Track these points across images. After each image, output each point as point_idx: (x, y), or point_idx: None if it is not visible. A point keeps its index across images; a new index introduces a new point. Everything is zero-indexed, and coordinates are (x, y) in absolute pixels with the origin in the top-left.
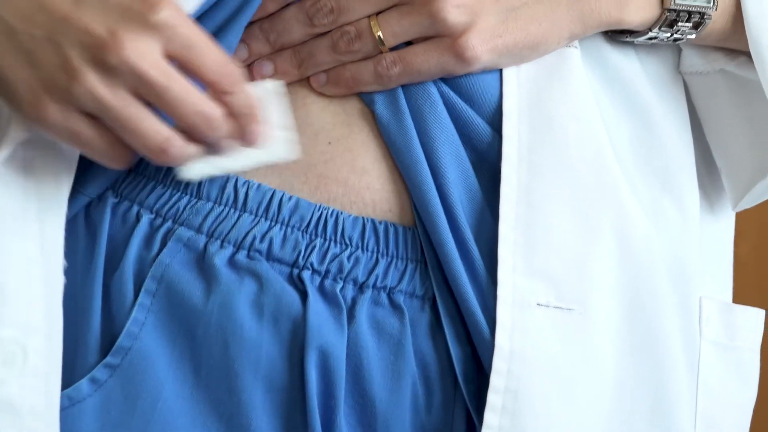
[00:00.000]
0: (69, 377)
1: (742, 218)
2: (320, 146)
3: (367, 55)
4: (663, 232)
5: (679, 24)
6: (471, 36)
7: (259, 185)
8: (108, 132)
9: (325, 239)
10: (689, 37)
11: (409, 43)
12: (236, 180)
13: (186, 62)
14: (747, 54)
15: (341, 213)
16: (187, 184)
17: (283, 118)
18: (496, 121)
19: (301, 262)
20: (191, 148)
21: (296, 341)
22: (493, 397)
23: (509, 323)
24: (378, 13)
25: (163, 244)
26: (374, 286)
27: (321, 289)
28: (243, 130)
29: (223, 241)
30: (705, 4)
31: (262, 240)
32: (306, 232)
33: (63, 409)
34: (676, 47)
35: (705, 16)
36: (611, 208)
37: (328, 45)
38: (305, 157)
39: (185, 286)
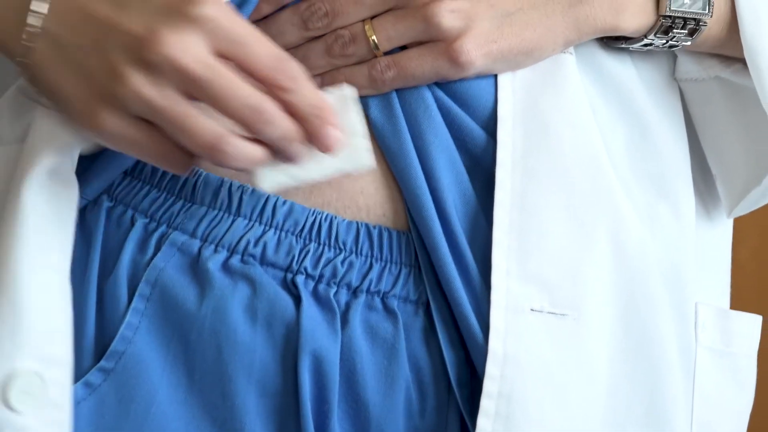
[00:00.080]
0: None
1: (741, 222)
2: None
3: (362, 59)
4: (658, 238)
5: (675, 31)
6: (465, 41)
7: (253, 190)
8: (164, 136)
9: (319, 244)
10: (685, 43)
11: (404, 48)
12: (230, 184)
13: (235, 58)
14: (742, 61)
15: (335, 217)
16: (182, 188)
17: (359, 126)
18: (490, 125)
19: (294, 266)
20: (251, 148)
21: (290, 346)
22: (486, 403)
23: (503, 328)
24: (373, 17)
25: (158, 248)
26: (368, 290)
27: (315, 293)
28: (314, 133)
29: (217, 246)
30: (700, 11)
31: (256, 244)
32: (300, 237)
33: None
34: (671, 54)
35: (700, 23)
36: (606, 214)
37: (322, 49)
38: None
39: (179, 290)
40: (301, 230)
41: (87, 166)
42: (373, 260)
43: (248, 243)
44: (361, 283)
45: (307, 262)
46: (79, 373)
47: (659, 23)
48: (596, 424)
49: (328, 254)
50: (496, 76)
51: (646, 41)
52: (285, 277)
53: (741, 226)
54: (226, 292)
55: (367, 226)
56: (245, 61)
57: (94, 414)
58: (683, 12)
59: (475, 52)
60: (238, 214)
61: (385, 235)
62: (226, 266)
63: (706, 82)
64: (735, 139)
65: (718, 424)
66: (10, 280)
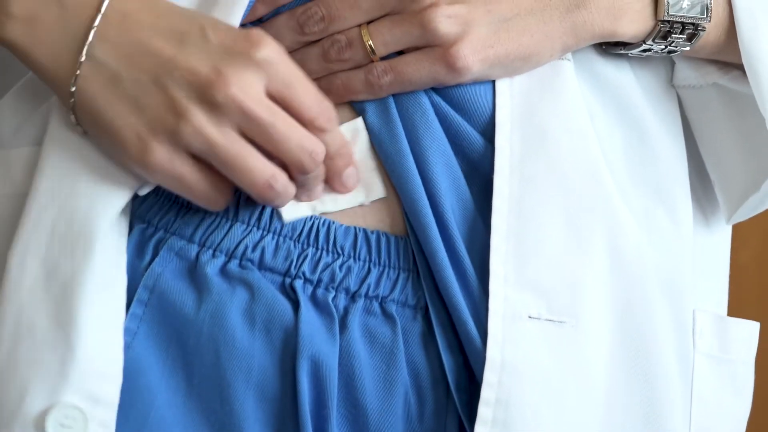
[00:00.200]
0: None
1: (742, 225)
2: None
3: (358, 63)
4: (656, 244)
5: (673, 36)
6: (462, 46)
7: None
8: (211, 173)
9: (317, 248)
10: (683, 49)
11: (401, 52)
12: None
13: (286, 99)
14: (740, 68)
15: (333, 223)
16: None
17: (370, 159)
18: (488, 131)
19: (293, 271)
20: (291, 186)
21: (288, 350)
22: (483, 410)
23: (500, 335)
24: (369, 22)
25: (155, 253)
26: (366, 295)
27: (313, 298)
28: (339, 172)
29: (215, 251)
30: (699, 16)
31: (254, 249)
32: (298, 242)
33: None
34: (669, 60)
35: (699, 28)
36: (603, 220)
37: (318, 53)
38: None
39: (177, 295)
40: (299, 235)
41: None
42: (371, 265)
43: (246, 248)
44: (360, 287)
45: (306, 267)
46: None
47: (658, 28)
48: (594, 430)
49: (326, 259)
50: (493, 81)
51: (644, 47)
52: (283, 281)
53: (742, 230)
54: (224, 297)
55: (364, 231)
56: (293, 102)
57: None
58: (682, 17)
59: (471, 58)
60: (235, 219)
61: (383, 239)
62: (224, 271)
63: (704, 89)
64: (733, 146)
65: (716, 430)
66: (70, 316)
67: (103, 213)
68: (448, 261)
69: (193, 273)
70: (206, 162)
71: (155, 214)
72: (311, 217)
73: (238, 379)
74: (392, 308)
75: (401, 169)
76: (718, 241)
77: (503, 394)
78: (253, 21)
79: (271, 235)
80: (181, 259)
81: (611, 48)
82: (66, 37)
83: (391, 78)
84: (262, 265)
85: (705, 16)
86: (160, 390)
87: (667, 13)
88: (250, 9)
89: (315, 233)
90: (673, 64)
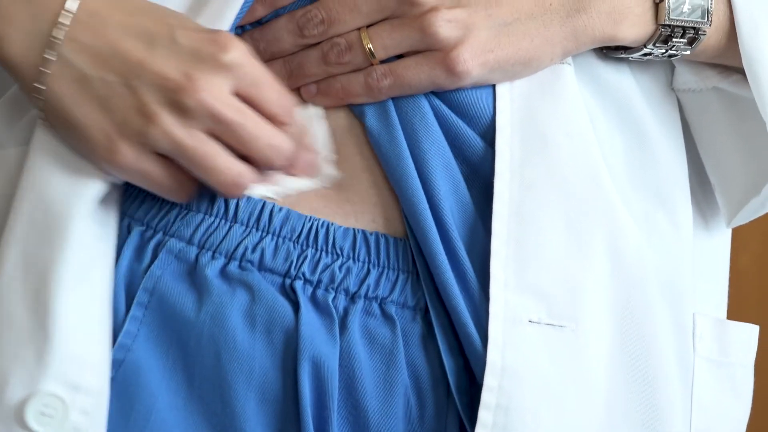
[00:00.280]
0: None
1: (742, 229)
2: None
3: (358, 67)
4: (656, 247)
5: (674, 40)
6: (462, 50)
7: (248, 197)
8: (177, 170)
9: (316, 249)
10: (684, 53)
11: (401, 56)
12: None
13: (252, 98)
14: (740, 71)
15: (332, 224)
16: None
17: (323, 142)
18: (488, 134)
19: (293, 272)
20: (255, 177)
21: (289, 352)
22: (484, 414)
23: (501, 340)
24: (369, 26)
25: (155, 255)
26: (366, 296)
27: (313, 299)
28: (299, 160)
29: (214, 253)
30: (699, 20)
31: (253, 251)
32: (297, 243)
33: None
34: (669, 64)
35: (699, 32)
36: (604, 224)
37: (318, 56)
38: None
39: (177, 297)
40: (299, 236)
41: None
42: (371, 266)
43: (246, 249)
44: (359, 288)
45: (305, 268)
46: None
47: (658, 32)
48: None
49: (325, 260)
50: (493, 85)
51: (645, 51)
52: (283, 282)
53: (742, 233)
54: (224, 299)
55: (363, 232)
56: (259, 100)
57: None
58: (682, 21)
59: (471, 62)
60: (235, 220)
61: (382, 241)
62: (224, 273)
63: (704, 93)
64: (733, 149)
65: None
66: (45, 304)
67: (75, 201)
68: (447, 263)
69: (193, 275)
70: (171, 158)
71: (154, 217)
72: (309, 218)
73: (239, 380)
74: (392, 309)
75: (400, 171)
76: (718, 244)
77: (503, 398)
78: (252, 22)
79: (270, 236)
80: (180, 262)
81: (612, 52)
82: (32, 33)
83: (390, 81)
84: (261, 267)
85: (705, 20)
86: (160, 392)
87: (668, 17)
88: (249, 9)
89: (314, 234)
90: (673, 67)
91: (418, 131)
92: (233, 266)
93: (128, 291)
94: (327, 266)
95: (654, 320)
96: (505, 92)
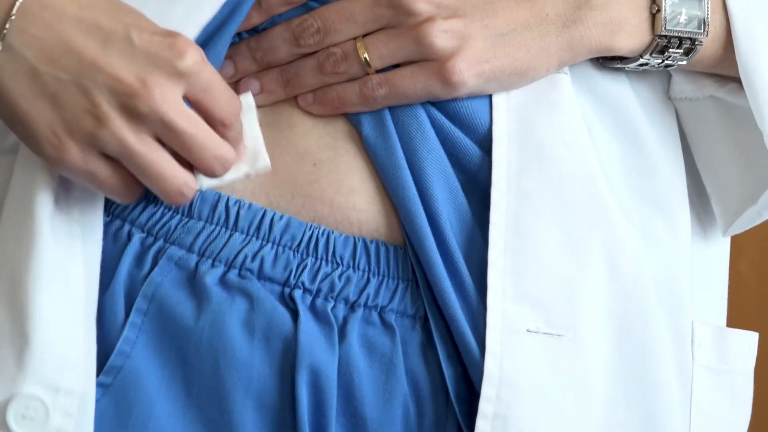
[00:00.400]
0: None
1: (741, 236)
2: (306, 167)
3: (354, 76)
4: (654, 256)
5: (671, 50)
6: (458, 60)
7: (250, 205)
8: (123, 171)
9: (316, 258)
10: (680, 63)
11: (397, 65)
12: (227, 199)
13: (202, 103)
14: (736, 80)
15: (332, 232)
16: None
17: (255, 130)
18: (485, 143)
19: (292, 281)
20: (195, 183)
21: (287, 360)
22: (482, 424)
23: (499, 349)
24: (365, 35)
25: (155, 263)
26: (365, 305)
27: (312, 308)
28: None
29: (214, 260)
30: (696, 30)
31: (253, 259)
32: (297, 252)
33: None
34: (666, 73)
35: (696, 43)
36: (601, 233)
37: (314, 65)
38: (291, 177)
39: (176, 305)
40: (299, 245)
41: None
42: (371, 275)
43: (246, 257)
44: (359, 297)
45: (305, 277)
46: None
47: (655, 43)
48: None
49: (325, 269)
50: (490, 95)
51: (641, 61)
52: (282, 291)
53: (740, 239)
54: (223, 307)
55: (364, 240)
56: (208, 105)
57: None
58: (679, 31)
59: (467, 72)
60: (235, 228)
61: (382, 249)
62: (223, 281)
63: (701, 102)
64: (730, 158)
65: None
66: (22, 306)
67: (41, 198)
68: (445, 272)
69: (193, 283)
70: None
71: (155, 224)
72: (310, 226)
73: (237, 388)
74: (391, 318)
75: (397, 180)
76: (717, 253)
77: (501, 408)
78: (248, 30)
79: (270, 244)
80: (180, 269)
81: (608, 62)
82: None
83: (386, 91)
84: (261, 275)
85: (702, 30)
86: (159, 399)
87: (665, 28)
88: (245, 17)
89: (314, 243)
90: (670, 76)
91: (414, 140)
92: (233, 274)
93: (128, 297)
94: (327, 275)
95: (652, 328)
96: (501, 102)
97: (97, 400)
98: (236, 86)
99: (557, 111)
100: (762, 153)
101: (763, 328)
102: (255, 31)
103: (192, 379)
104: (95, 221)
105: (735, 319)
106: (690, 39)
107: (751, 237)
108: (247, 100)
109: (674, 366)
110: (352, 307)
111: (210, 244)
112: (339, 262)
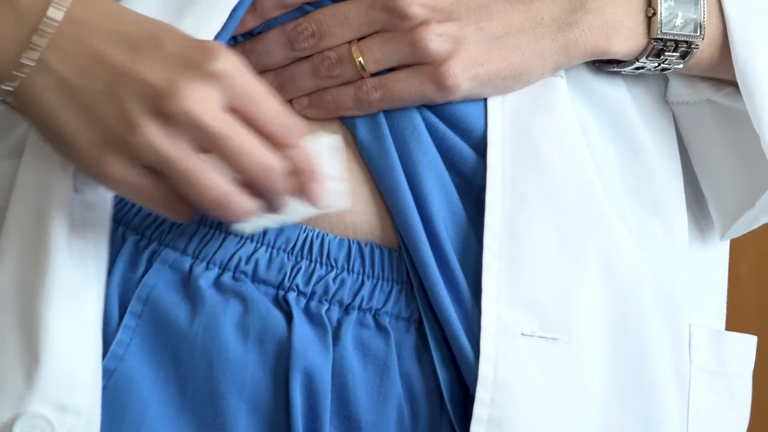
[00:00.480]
0: None
1: (741, 239)
2: None
3: (348, 80)
4: (651, 259)
5: (667, 53)
6: (453, 64)
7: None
8: (169, 185)
9: (310, 261)
10: (677, 66)
11: (392, 69)
12: None
13: (246, 114)
14: (734, 84)
15: (327, 235)
16: None
17: (338, 171)
18: (480, 146)
19: (286, 283)
20: (250, 204)
21: (281, 363)
22: (476, 427)
23: (493, 353)
24: (360, 39)
25: (149, 265)
26: (360, 307)
27: (306, 310)
28: (303, 188)
29: (208, 263)
30: (692, 34)
31: (247, 262)
32: (291, 254)
33: None
34: (663, 76)
35: (692, 46)
36: (597, 236)
37: (309, 69)
38: None
39: (170, 307)
40: (293, 247)
41: None
42: (365, 277)
43: (240, 260)
44: (353, 300)
45: (299, 279)
46: None
47: (651, 46)
48: None
49: (319, 271)
50: (485, 99)
51: (637, 64)
52: (276, 294)
53: (740, 242)
54: (217, 309)
55: (358, 243)
56: (253, 116)
57: None
58: (675, 35)
59: (461, 76)
60: (229, 231)
61: (377, 252)
62: (217, 283)
63: (698, 105)
64: (727, 162)
65: None
66: (34, 324)
67: (58, 217)
68: (440, 275)
69: (187, 285)
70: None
71: (149, 226)
72: (305, 229)
73: (231, 391)
74: (386, 320)
75: (392, 183)
76: (715, 256)
77: (496, 412)
78: (243, 33)
79: (264, 247)
80: (174, 272)
81: (604, 65)
82: (12, 38)
83: (380, 95)
84: (255, 278)
85: (698, 33)
86: (152, 402)
87: (660, 31)
88: (240, 21)
89: (309, 246)
90: (666, 80)
91: (409, 143)
92: (227, 277)
93: (122, 300)
94: (321, 278)
95: (649, 331)
96: (496, 105)
97: None
98: None
99: (553, 114)
100: (759, 156)
101: (762, 332)
102: (250, 34)
103: (186, 381)
104: (104, 241)
105: (734, 322)
106: (686, 42)
107: (750, 240)
108: (330, 140)
109: (671, 369)
110: (346, 309)
111: (204, 246)
112: (333, 264)
